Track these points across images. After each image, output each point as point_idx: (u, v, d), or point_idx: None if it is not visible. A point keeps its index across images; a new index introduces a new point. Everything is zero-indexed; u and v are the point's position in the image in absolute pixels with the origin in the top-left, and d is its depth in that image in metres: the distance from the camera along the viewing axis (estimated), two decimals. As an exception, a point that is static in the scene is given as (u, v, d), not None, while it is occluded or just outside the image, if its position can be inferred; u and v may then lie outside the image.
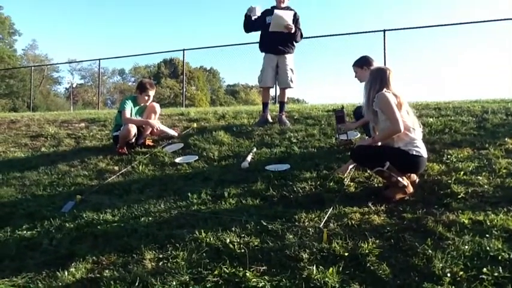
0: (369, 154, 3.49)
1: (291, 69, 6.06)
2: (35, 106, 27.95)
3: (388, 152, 3.40)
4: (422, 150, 3.40)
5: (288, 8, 6.07)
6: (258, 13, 6.07)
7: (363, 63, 4.75)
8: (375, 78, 3.55)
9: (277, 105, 6.47)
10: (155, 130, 5.64)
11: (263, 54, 6.19)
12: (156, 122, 5.65)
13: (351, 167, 3.89)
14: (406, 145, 3.36)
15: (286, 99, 6.26)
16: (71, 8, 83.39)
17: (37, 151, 5.92)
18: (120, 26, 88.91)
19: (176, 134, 5.91)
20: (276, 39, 5.94)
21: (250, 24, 6.12)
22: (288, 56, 6.04)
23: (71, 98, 35.08)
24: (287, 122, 5.99)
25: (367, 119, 3.79)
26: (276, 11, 5.89)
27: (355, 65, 4.83)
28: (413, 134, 3.41)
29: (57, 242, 3.10)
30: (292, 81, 6.04)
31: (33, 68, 25.06)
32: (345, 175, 3.85)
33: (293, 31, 5.86)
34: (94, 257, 2.79)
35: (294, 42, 6.09)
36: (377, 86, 3.50)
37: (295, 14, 6.01)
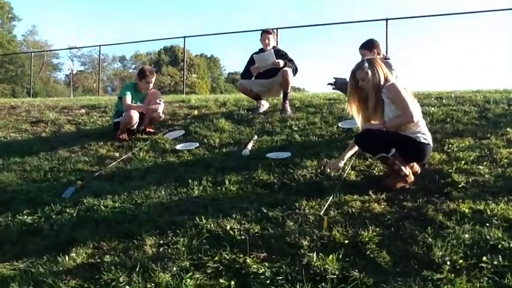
0: (375, 139, 3.41)
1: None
2: (34, 92, 27.89)
3: (395, 138, 3.36)
4: (428, 137, 3.39)
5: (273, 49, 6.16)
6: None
7: (371, 46, 4.70)
8: (377, 73, 3.43)
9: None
10: (157, 114, 5.57)
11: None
12: (160, 107, 5.56)
13: (341, 164, 3.68)
14: (413, 133, 3.34)
15: (289, 90, 6.22)
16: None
17: (37, 137, 5.91)
18: (121, 13, 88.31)
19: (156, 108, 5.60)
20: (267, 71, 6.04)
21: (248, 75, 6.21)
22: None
23: (71, 85, 35.01)
24: (289, 110, 5.97)
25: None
26: (255, 56, 6.01)
27: (363, 48, 4.76)
28: (420, 122, 3.40)
29: (58, 228, 3.11)
30: (293, 70, 6.02)
31: (33, 54, 24.94)
32: (337, 172, 3.67)
33: (282, 65, 5.90)
34: (95, 243, 2.80)
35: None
36: (382, 80, 3.43)
37: (277, 50, 6.14)
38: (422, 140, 3.33)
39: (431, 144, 3.45)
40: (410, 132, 3.35)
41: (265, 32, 6.23)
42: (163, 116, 5.79)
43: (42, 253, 2.74)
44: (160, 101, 5.59)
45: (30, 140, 5.80)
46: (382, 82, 3.44)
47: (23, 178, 4.30)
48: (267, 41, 6.15)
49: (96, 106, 7.58)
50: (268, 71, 6.00)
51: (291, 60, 6.08)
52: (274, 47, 6.25)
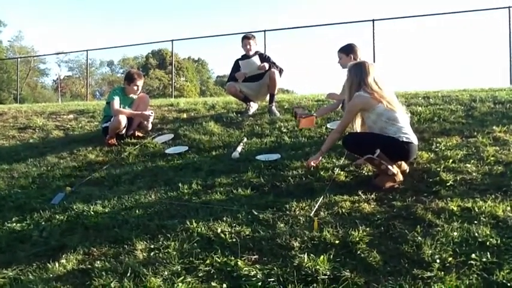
0: (359, 141, 3.55)
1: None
2: (22, 98, 27.59)
3: (379, 139, 3.42)
4: (411, 136, 3.44)
5: (256, 53, 6.23)
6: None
7: (348, 50, 4.92)
8: (352, 76, 3.59)
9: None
10: (146, 122, 5.59)
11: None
12: (149, 112, 5.57)
13: (320, 157, 3.87)
14: (395, 133, 3.39)
15: (276, 91, 6.25)
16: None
17: (25, 143, 5.86)
18: (109, 17, 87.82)
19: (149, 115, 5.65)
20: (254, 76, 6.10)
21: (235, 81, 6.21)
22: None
23: (59, 90, 34.69)
24: (277, 112, 5.99)
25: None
26: (240, 62, 6.07)
27: (340, 51, 5.01)
28: (400, 123, 3.43)
29: (47, 234, 3.08)
30: (279, 71, 6.07)
31: (19, 59, 24.69)
32: (315, 165, 3.82)
33: (267, 68, 5.97)
34: (85, 249, 2.77)
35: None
36: (355, 85, 3.56)
37: (261, 54, 6.21)
38: (405, 139, 3.38)
39: (416, 143, 3.49)
40: (392, 132, 3.40)
41: (245, 38, 6.28)
42: (150, 126, 5.77)
43: (31, 260, 2.71)
44: (151, 113, 5.59)
45: (18, 146, 5.75)
46: (355, 86, 3.56)
47: (11, 185, 4.26)
48: (248, 47, 6.21)
49: (85, 111, 7.54)
50: (254, 75, 6.04)
51: (274, 63, 6.13)
52: (257, 52, 6.29)
